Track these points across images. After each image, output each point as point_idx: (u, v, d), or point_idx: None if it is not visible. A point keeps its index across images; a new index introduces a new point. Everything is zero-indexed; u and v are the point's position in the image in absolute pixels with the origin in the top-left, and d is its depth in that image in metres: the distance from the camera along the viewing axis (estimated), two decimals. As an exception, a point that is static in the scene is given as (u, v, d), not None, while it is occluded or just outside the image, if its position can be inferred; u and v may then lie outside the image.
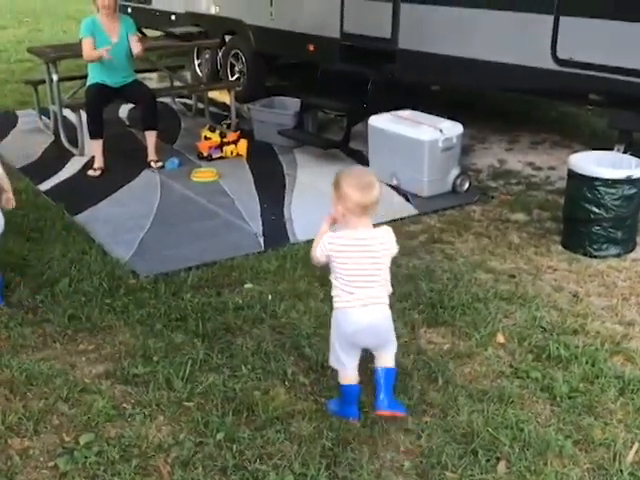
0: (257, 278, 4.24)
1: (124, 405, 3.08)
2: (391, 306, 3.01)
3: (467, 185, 5.71)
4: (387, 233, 2.89)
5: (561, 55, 5.20)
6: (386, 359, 2.99)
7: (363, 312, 2.85)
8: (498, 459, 2.80)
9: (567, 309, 3.92)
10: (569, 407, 3.09)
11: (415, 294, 4.04)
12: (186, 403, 3.09)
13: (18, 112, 8.26)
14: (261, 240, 4.81)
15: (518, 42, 5.48)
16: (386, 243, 2.86)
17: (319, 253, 2.87)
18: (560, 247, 4.69)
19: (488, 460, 2.79)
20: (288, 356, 3.46)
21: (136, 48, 6.14)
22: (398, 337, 3.56)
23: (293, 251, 4.56)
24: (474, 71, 5.80)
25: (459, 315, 3.82)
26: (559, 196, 5.50)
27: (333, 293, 2.90)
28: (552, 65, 5.24)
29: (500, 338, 3.62)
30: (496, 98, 8.23)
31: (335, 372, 3.09)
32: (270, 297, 4.02)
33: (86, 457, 2.73)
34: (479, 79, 5.88)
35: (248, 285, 4.17)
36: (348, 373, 2.98)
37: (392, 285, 4.05)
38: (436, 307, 3.89)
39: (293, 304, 3.94)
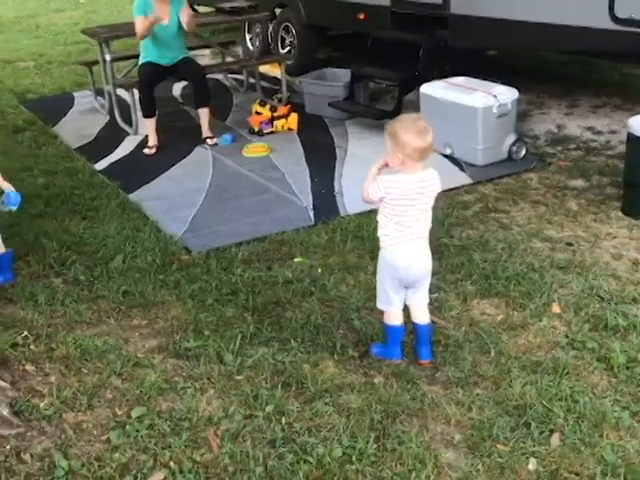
0: (307, 252, 4.23)
1: (176, 379, 3.11)
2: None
3: (524, 152, 5.56)
4: (436, 175, 3.03)
5: (620, 14, 4.98)
6: (424, 313, 3.19)
7: (412, 247, 3.02)
8: (552, 431, 2.74)
9: (626, 277, 3.79)
10: (627, 378, 2.99)
11: (468, 265, 3.96)
12: (236, 376, 3.11)
13: (75, 93, 8.39)
14: (311, 214, 4.79)
15: (575, 2, 5.27)
16: (437, 185, 3.02)
17: (373, 194, 2.96)
18: (620, 213, 4.54)
19: (541, 432, 2.73)
20: (337, 329, 3.44)
21: (185, 18, 6.10)
22: (450, 308, 3.56)
23: (343, 224, 4.53)
24: (529, 34, 5.61)
25: (513, 286, 3.73)
26: (619, 161, 5.32)
27: (381, 233, 3.04)
28: (611, 24, 5.03)
29: (556, 308, 3.53)
30: (554, 62, 7.97)
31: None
32: (320, 271, 4.00)
33: (137, 430, 2.77)
34: (534, 42, 5.70)
35: (298, 259, 4.15)
36: (397, 313, 3.14)
37: (445, 256, 4.05)
38: (489, 278, 3.81)
39: (343, 277, 3.91)
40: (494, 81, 5.68)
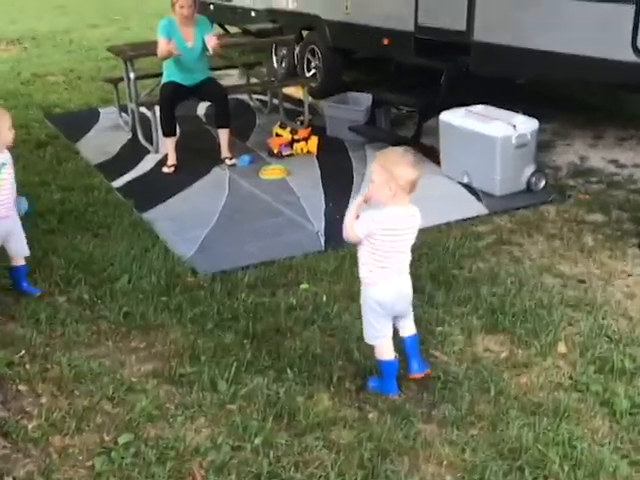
0: (314, 278, 4.18)
1: (167, 405, 3.07)
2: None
3: (543, 183, 5.47)
4: (418, 211, 3.00)
5: (642, 46, 4.90)
6: (410, 327, 3.19)
7: (396, 282, 3.02)
8: (546, 478, 2.65)
9: (637, 318, 3.68)
10: (629, 424, 2.89)
11: (475, 298, 3.88)
12: (228, 406, 3.06)
13: (101, 109, 8.47)
14: (322, 239, 4.75)
15: (598, 33, 5.19)
16: (418, 220, 3.00)
17: (360, 230, 2.94)
18: (637, 250, 4.42)
19: (535, 478, 2.64)
20: (336, 360, 3.38)
21: (211, 44, 6.14)
22: (453, 343, 3.48)
23: (353, 251, 4.40)
24: (551, 64, 5.53)
25: (520, 322, 3.64)
26: (641, 195, 5.21)
27: (364, 270, 3.03)
28: (633, 57, 4.94)
29: (562, 347, 3.43)
30: (581, 91, 7.86)
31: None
32: (324, 298, 3.95)
33: (123, 458, 2.73)
34: (556, 72, 5.62)
35: (304, 285, 4.11)
36: (387, 345, 3.11)
37: (452, 288, 3.98)
38: (496, 313, 3.72)
39: (347, 306, 3.85)
40: (515, 110, 5.61)
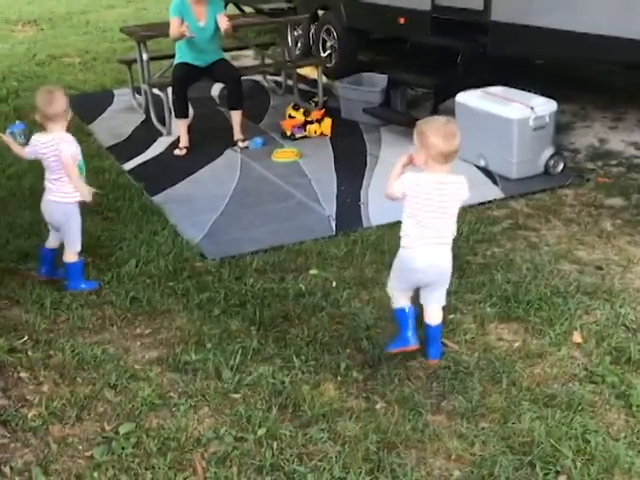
0: (324, 264, 4.09)
1: (170, 394, 3.01)
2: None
3: (561, 166, 5.33)
4: (463, 181, 3.04)
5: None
6: (437, 314, 3.17)
7: (430, 251, 3.01)
8: (558, 473, 2.55)
9: (657, 306, 3.56)
10: (646, 419, 2.79)
11: (489, 285, 3.78)
12: (232, 395, 2.99)
13: (115, 91, 8.41)
14: (333, 224, 4.65)
15: (621, 12, 5.02)
16: (461, 190, 3.02)
17: (397, 189, 2.99)
18: (657, 236, 4.30)
19: (546, 474, 2.55)
20: (344, 348, 3.30)
21: (223, 25, 6.04)
22: (465, 332, 3.39)
23: (364, 236, 4.38)
24: (573, 44, 5.37)
25: (534, 310, 3.53)
26: (662, 179, 5.06)
27: (402, 232, 3.05)
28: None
29: (577, 337, 3.32)
30: (601, 71, 7.66)
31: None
32: (334, 284, 3.86)
33: (123, 448, 2.68)
34: (578, 52, 5.46)
35: (313, 271, 4.03)
36: (405, 298, 3.16)
37: (466, 274, 3.88)
38: (510, 301, 3.62)
39: (357, 292, 3.77)
40: (534, 92, 5.46)
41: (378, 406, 2.92)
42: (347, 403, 2.93)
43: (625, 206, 4.73)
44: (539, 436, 2.70)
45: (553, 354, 3.22)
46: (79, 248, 3.87)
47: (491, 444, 2.69)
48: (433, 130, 2.88)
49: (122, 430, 2.77)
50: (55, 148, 3.68)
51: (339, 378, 3.09)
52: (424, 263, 3.01)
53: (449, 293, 3.67)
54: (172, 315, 3.61)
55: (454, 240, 4.22)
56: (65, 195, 3.76)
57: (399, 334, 3.16)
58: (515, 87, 5.54)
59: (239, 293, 3.77)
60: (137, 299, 3.74)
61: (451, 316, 3.53)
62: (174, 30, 5.98)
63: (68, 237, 3.84)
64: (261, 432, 2.76)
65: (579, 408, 2.84)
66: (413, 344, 3.11)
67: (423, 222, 2.97)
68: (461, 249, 4.20)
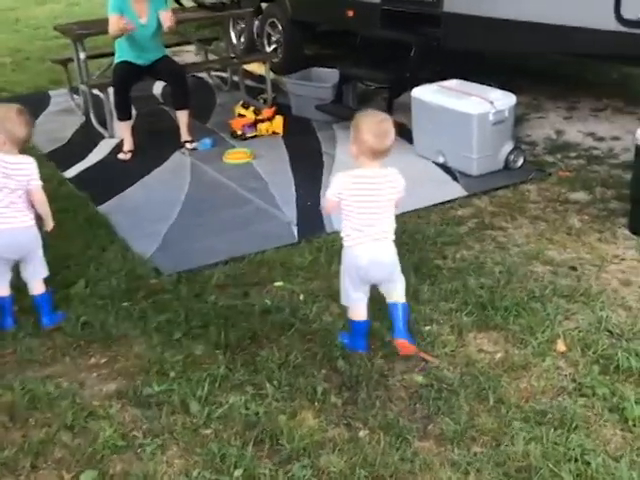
0: (288, 275, 3.87)
1: (134, 433, 2.75)
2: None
3: (521, 161, 5.21)
4: (396, 174, 3.01)
5: (626, 15, 4.62)
6: (398, 295, 3.14)
7: (371, 247, 3.00)
8: (560, 501, 2.40)
9: (637, 308, 3.45)
10: (643, 434, 2.66)
11: (463, 292, 3.61)
12: (203, 430, 2.75)
13: (51, 92, 8.00)
14: (295, 230, 4.43)
15: (579, 2, 4.91)
16: (395, 182, 2.98)
17: (330, 192, 3.01)
18: (627, 232, 4.19)
19: (549, 503, 2.39)
20: (319, 370, 3.08)
21: (167, 22, 5.74)
22: (444, 344, 3.22)
23: (328, 242, 4.17)
24: (529, 35, 5.25)
25: (513, 317, 3.38)
26: (623, 171, 4.99)
27: (343, 233, 3.06)
28: (617, 26, 4.67)
29: (560, 346, 3.18)
30: (550, 60, 7.60)
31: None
32: (302, 297, 3.65)
33: (86, 500, 2.42)
34: (535, 44, 5.34)
35: (278, 283, 3.80)
36: (358, 310, 3.14)
37: (437, 280, 3.71)
38: (487, 308, 3.46)
39: (326, 305, 3.56)
40: (490, 84, 5.33)
41: (361, 434, 2.72)
42: (328, 433, 2.72)
43: (590, 200, 4.63)
44: (536, 460, 2.54)
45: (538, 365, 3.07)
46: (47, 273, 3.54)
47: (486, 471, 2.52)
48: (367, 126, 2.89)
49: (83, 479, 2.51)
50: (23, 172, 3.33)
51: (317, 404, 2.87)
52: (366, 260, 3.01)
53: (423, 302, 3.54)
54: (129, 341, 3.34)
55: (422, 243, 4.14)
56: (27, 218, 3.40)
57: (352, 338, 3.20)
58: (466, 80, 5.40)
59: (200, 313, 3.52)
60: (89, 324, 3.46)
61: (427, 327, 3.36)
62: (113, 27, 5.65)
63: (35, 264, 3.48)
64: (238, 473, 2.53)
65: (573, 425, 2.70)
66: (365, 350, 3.16)
67: (361, 220, 2.97)
68: (429, 253, 4.05)
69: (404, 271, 3.76)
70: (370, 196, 2.95)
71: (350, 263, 3.06)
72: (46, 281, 3.53)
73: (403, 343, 3.08)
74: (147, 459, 2.61)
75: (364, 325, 3.16)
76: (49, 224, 3.47)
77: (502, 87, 5.28)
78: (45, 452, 2.65)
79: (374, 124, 2.90)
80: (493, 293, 3.58)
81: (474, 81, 5.38)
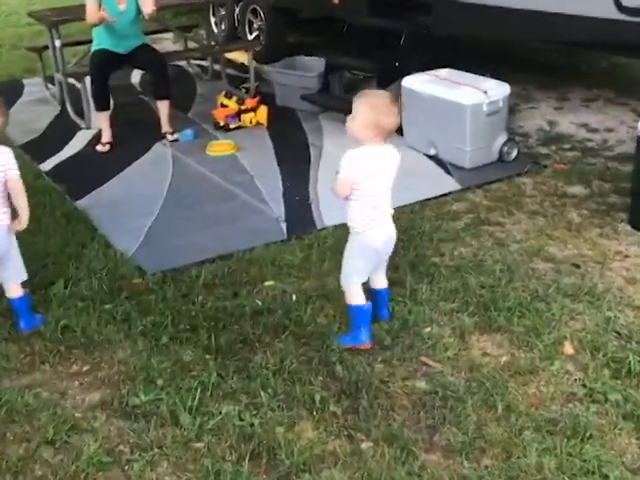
0: (279, 274, 3.69)
1: (120, 448, 2.57)
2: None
3: (515, 153, 5.06)
4: (394, 149, 3.01)
5: (627, 2, 4.48)
6: (384, 280, 3.22)
7: (384, 226, 3.03)
8: (580, 520, 2.26)
9: (645, 307, 3.32)
10: (661, 443, 2.52)
11: (463, 291, 3.46)
12: (194, 443, 2.57)
13: (25, 80, 7.71)
14: (283, 226, 4.25)
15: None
16: (396, 157, 3.00)
17: (346, 174, 2.90)
18: (628, 227, 4.07)
19: (568, 522, 2.25)
20: (316, 376, 2.92)
21: (147, 9, 5.49)
22: (446, 347, 3.07)
23: (320, 239, 4.00)
24: (524, 23, 5.09)
25: (517, 318, 3.23)
26: (620, 164, 4.88)
27: (356, 219, 2.99)
28: (617, 14, 4.53)
29: (568, 348, 3.04)
30: (539, 49, 7.45)
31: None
32: (294, 298, 3.47)
33: (70, 525, 2.24)
34: (530, 32, 5.19)
35: (269, 282, 3.62)
36: (361, 290, 3.09)
37: (436, 279, 3.56)
38: (489, 308, 3.31)
39: (321, 306, 3.39)
40: (482, 74, 5.17)
41: (364, 446, 2.55)
42: (328, 445, 2.56)
43: (588, 194, 4.50)
44: (550, 473, 2.40)
45: (546, 369, 2.93)
46: (26, 276, 3.32)
47: (499, 487, 2.37)
48: (386, 108, 2.85)
49: (67, 500, 2.33)
50: None
51: (315, 414, 2.70)
52: (382, 239, 3.02)
53: (422, 302, 3.38)
54: (113, 346, 3.14)
55: (418, 239, 3.98)
56: (5, 216, 3.17)
57: (353, 330, 3.09)
58: (455, 68, 5.25)
59: (188, 315, 3.33)
60: (70, 328, 3.26)
61: (427, 329, 3.20)
62: (91, 16, 5.40)
63: (13, 265, 3.25)
64: (234, 491, 2.36)
65: (587, 434, 2.56)
66: (367, 344, 3.06)
67: (374, 199, 2.95)
68: (426, 250, 3.89)
69: (400, 269, 3.66)
70: (381, 172, 2.94)
71: (368, 247, 3.02)
72: (23, 282, 3.31)
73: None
74: (135, 476, 2.43)
75: (367, 309, 3.09)
76: (24, 221, 3.22)
77: (491, 76, 5.14)
78: (25, 470, 2.46)
79: (391, 105, 2.87)
80: (495, 292, 3.43)
81: (460, 69, 5.22)
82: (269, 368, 2.94)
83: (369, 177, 2.91)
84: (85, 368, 3.02)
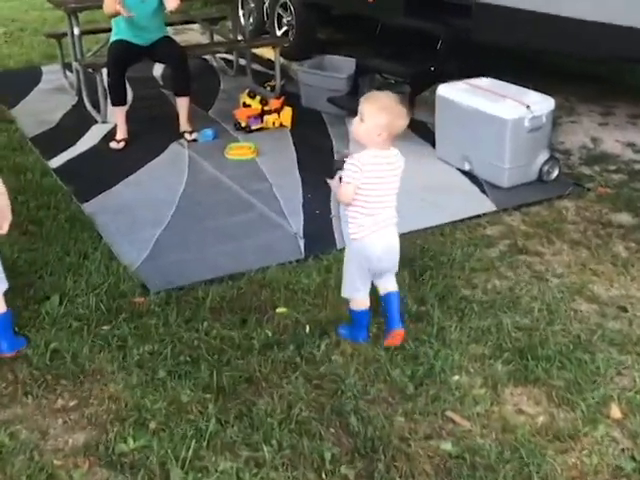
0: (293, 299, 3.37)
1: (101, 507, 2.26)
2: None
3: (556, 172, 4.68)
4: (398, 152, 2.91)
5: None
6: (393, 284, 3.06)
7: (384, 235, 2.91)
8: None
9: (703, 365, 2.94)
10: None
11: (496, 333, 3.11)
12: (185, 508, 2.26)
13: (44, 67, 7.47)
14: (301, 243, 3.92)
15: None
16: (401, 161, 2.90)
17: (351, 177, 2.77)
18: (681, 265, 3.69)
19: None
20: (327, 428, 2.58)
21: (170, 4, 5.18)
22: (476, 401, 2.73)
23: (339, 261, 3.59)
24: (573, 34, 4.70)
25: (556, 370, 2.88)
26: (672, 191, 4.47)
27: (354, 224, 2.89)
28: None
29: (615, 410, 2.68)
30: (580, 60, 7.02)
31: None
32: (308, 329, 3.14)
33: None
34: (579, 44, 4.79)
35: (281, 309, 3.30)
36: (363, 299, 3.03)
37: (466, 315, 3.23)
38: (525, 355, 2.95)
39: (337, 342, 3.05)
40: (525, 86, 4.80)
41: (380, 522, 2.23)
42: (339, 520, 2.23)
43: (636, 224, 4.11)
44: None
45: (589, 434, 2.57)
46: (7, 285, 3.02)
47: None
48: (397, 109, 2.77)
49: None
50: None
51: (324, 477, 2.37)
52: (380, 249, 2.91)
53: (450, 343, 3.04)
54: (104, 377, 2.83)
55: (447, 268, 3.64)
56: None
57: (353, 327, 3.07)
58: (490, 77, 4.88)
59: (190, 344, 3.02)
60: (59, 353, 2.95)
61: (456, 377, 2.86)
62: (109, 6, 5.10)
63: None
64: None
65: (636, 522, 2.21)
66: (366, 339, 3.06)
67: (377, 205, 2.86)
68: (457, 280, 3.54)
69: (427, 302, 3.33)
70: (388, 177, 2.84)
71: (363, 255, 2.92)
72: (7, 295, 3.00)
73: (401, 333, 3.00)
74: None
75: (367, 313, 3.05)
76: (4, 227, 2.90)
77: (533, 87, 4.76)
78: (-12, 531, 2.17)
79: (401, 107, 2.79)
80: (532, 336, 3.08)
81: (497, 77, 4.86)
82: (275, 416, 2.61)
83: (376, 182, 2.81)
84: (72, 403, 2.71)
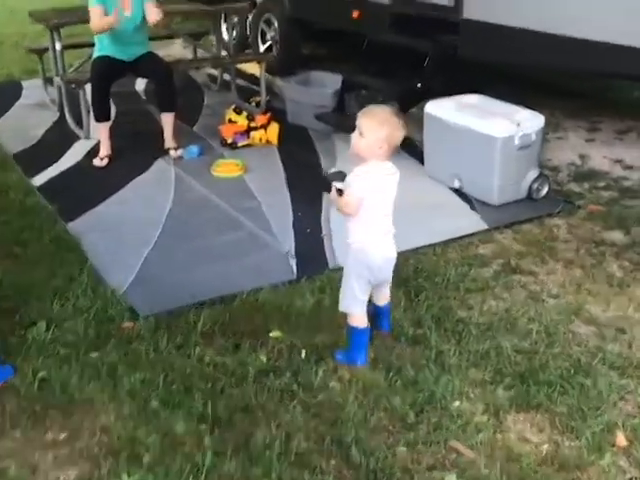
0: (287, 323, 3.29)
1: None
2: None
3: (546, 190, 4.66)
4: (393, 165, 2.94)
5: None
6: (387, 295, 3.17)
7: (383, 244, 2.95)
8: None
9: None
10: None
11: (496, 357, 3.05)
12: None
13: (24, 82, 7.37)
14: (293, 263, 3.84)
15: (622, 17, 4.36)
16: (397, 173, 2.92)
17: (358, 190, 2.79)
18: (677, 285, 3.67)
19: None
20: (328, 460, 2.51)
21: (152, 17, 5.10)
22: (478, 429, 2.66)
23: (332, 281, 3.57)
24: (560, 51, 4.70)
25: (558, 395, 2.83)
26: (662, 208, 4.46)
27: (354, 236, 2.93)
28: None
29: (620, 438, 2.63)
30: (566, 74, 7.05)
31: None
32: (304, 354, 3.07)
33: None
34: (567, 61, 4.78)
35: (275, 333, 3.22)
36: (363, 315, 3.00)
37: (464, 338, 3.18)
38: (526, 380, 2.90)
39: (334, 369, 2.98)
40: (512, 102, 4.78)
41: None
42: None
43: (629, 243, 4.09)
44: None
45: (595, 463, 2.52)
46: None
47: None
48: (395, 121, 2.80)
49: None
50: None
51: (327, 512, 2.30)
52: (380, 257, 2.94)
53: (449, 368, 2.99)
54: (95, 409, 2.73)
55: (442, 288, 3.59)
56: None
57: (351, 350, 3.02)
58: (480, 92, 4.87)
59: (183, 372, 2.93)
60: (48, 382, 2.85)
61: (456, 404, 2.79)
62: (96, 23, 5.02)
63: None
64: None
65: None
66: (364, 363, 3.01)
67: (378, 218, 2.91)
68: (452, 301, 3.49)
69: (424, 324, 3.28)
70: (389, 186, 2.89)
71: (363, 264, 2.92)
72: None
73: (388, 334, 3.18)
74: None
75: (367, 333, 3.02)
76: None
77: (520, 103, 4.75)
78: None
79: (398, 119, 2.81)
80: (531, 360, 3.03)
81: (484, 93, 4.84)
82: (273, 449, 2.53)
83: (377, 194, 2.85)
84: (62, 436, 2.61)
